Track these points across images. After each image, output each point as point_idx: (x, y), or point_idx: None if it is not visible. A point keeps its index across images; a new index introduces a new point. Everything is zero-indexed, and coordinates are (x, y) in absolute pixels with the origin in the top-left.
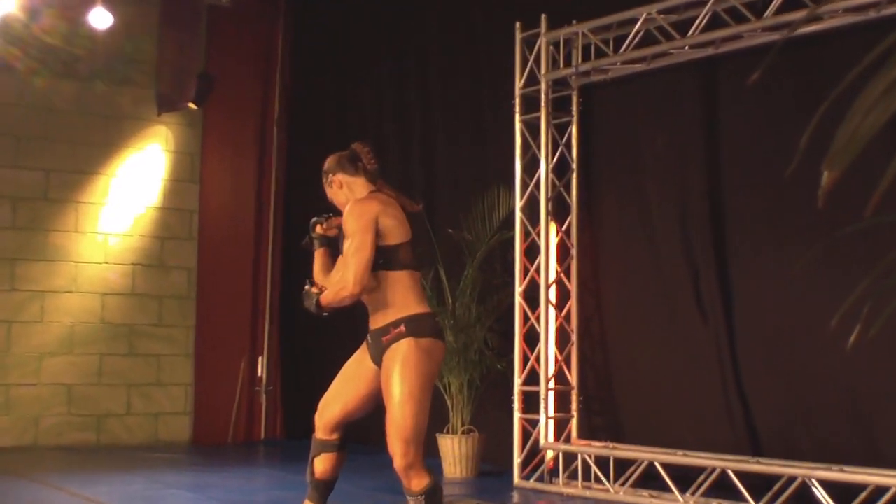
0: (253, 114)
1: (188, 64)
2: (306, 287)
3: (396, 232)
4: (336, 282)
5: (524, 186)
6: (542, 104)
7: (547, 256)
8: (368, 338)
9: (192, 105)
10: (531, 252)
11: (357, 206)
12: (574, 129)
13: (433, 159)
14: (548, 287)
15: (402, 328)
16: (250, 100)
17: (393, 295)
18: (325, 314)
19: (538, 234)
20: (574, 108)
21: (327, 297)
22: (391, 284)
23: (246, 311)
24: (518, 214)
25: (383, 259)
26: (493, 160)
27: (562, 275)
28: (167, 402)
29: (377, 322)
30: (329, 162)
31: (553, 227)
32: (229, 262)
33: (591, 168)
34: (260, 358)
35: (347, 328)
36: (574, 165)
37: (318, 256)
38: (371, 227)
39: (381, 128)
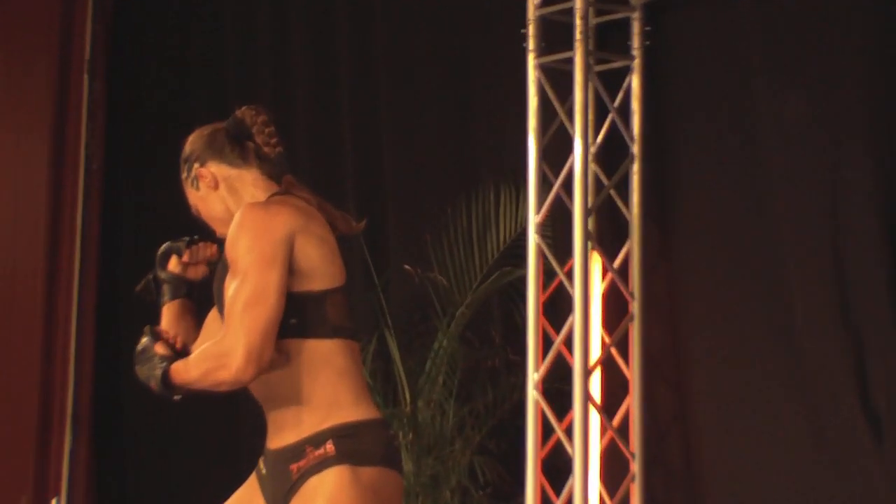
0: (46, 50)
1: None
2: (144, 341)
3: (324, 269)
4: (209, 352)
5: (544, 187)
6: (577, 37)
7: (586, 317)
8: (262, 463)
9: None
10: (556, 308)
11: (254, 215)
12: (635, 83)
13: (376, 141)
14: (587, 374)
15: (330, 447)
16: (41, 26)
17: (314, 384)
18: (177, 397)
19: (569, 276)
20: (635, 44)
21: (188, 375)
22: (311, 364)
23: (29, 411)
24: (532, 238)
25: (298, 317)
26: (484, 139)
27: (613, 351)
28: None
29: (283, 435)
30: (193, 143)
31: (597, 261)
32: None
33: (668, 153)
34: (54, 500)
35: (224, 439)
36: (635, 148)
37: (170, 313)
38: (279, 256)
39: (283, 85)
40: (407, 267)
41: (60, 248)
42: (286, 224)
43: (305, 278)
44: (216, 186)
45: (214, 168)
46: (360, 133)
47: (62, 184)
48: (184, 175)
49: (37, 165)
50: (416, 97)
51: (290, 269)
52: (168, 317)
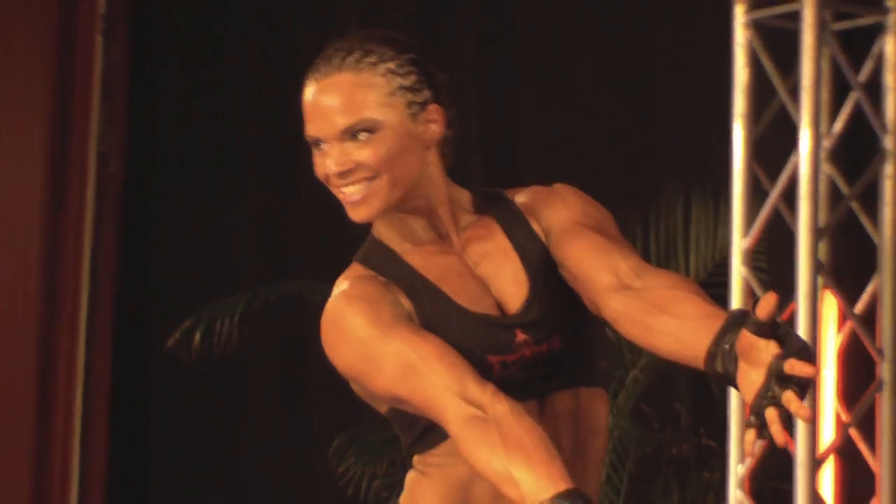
0: (41, 2)
1: None
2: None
3: None
4: None
5: (755, 198)
6: None
7: (814, 385)
8: None
9: None
10: None
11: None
12: (890, 47)
13: (513, 140)
14: (815, 466)
15: None
16: None
17: None
18: None
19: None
20: None
21: None
22: None
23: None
24: (738, 271)
25: None
26: (668, 133)
27: (853, 433)
28: None
29: None
30: (406, 48)
31: (832, 304)
32: None
33: None
34: None
35: (267, 471)
36: (889, 141)
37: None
38: None
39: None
40: None
41: (60, 286)
42: None
43: None
44: (434, 143)
45: (441, 116)
46: (491, 126)
47: (64, 194)
48: (389, 84)
49: (28, 166)
50: (568, 74)
51: None
52: None
